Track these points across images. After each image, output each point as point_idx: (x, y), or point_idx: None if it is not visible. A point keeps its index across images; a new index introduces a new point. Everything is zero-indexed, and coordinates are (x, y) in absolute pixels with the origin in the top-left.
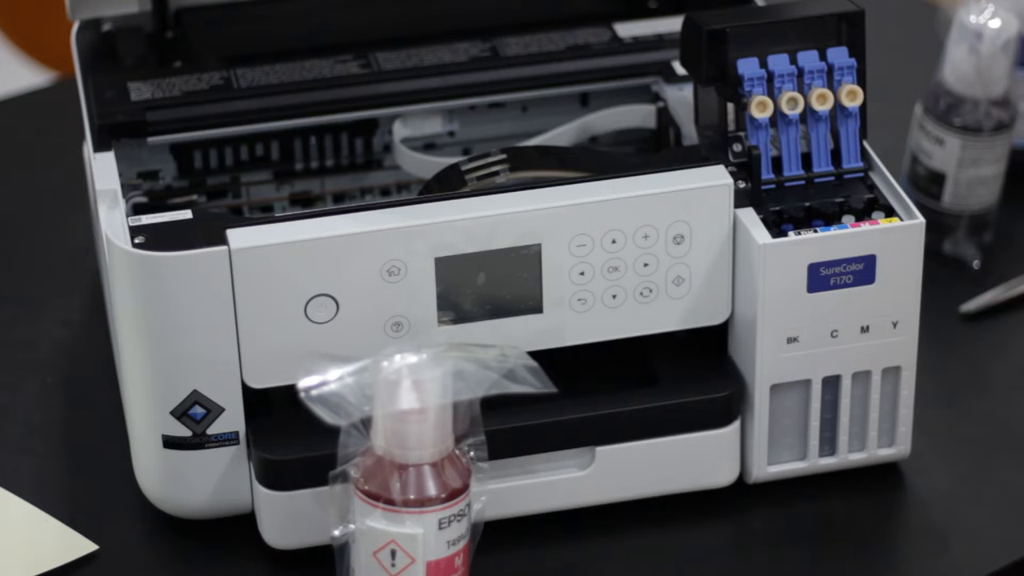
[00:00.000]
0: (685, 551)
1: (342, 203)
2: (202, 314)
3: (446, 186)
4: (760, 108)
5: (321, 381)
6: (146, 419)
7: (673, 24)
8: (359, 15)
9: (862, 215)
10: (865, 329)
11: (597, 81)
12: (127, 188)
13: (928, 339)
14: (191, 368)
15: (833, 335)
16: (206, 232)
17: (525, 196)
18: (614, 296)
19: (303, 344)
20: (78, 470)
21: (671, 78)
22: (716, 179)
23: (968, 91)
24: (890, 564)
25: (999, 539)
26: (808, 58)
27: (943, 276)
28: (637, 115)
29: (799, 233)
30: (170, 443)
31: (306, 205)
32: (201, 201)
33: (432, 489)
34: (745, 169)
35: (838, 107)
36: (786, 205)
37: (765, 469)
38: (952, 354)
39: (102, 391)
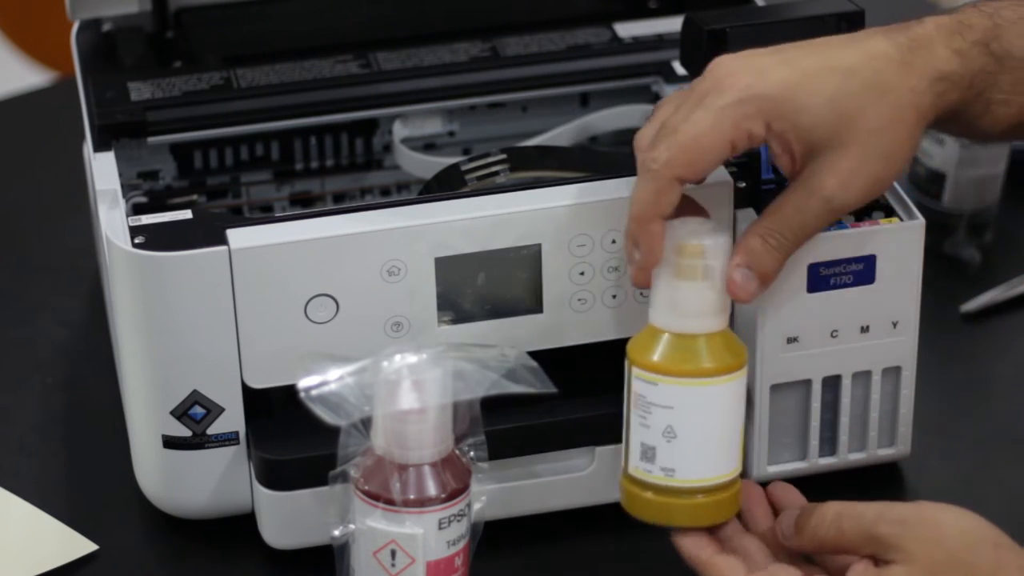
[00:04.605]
0: None
1: (342, 203)
2: (202, 314)
3: (446, 186)
4: None
5: (321, 381)
6: (146, 419)
7: (673, 24)
8: (359, 15)
9: (862, 215)
10: (865, 329)
11: (597, 81)
12: (127, 188)
13: (928, 339)
14: (191, 368)
15: (833, 335)
16: (206, 232)
17: (525, 196)
18: (614, 296)
19: (303, 344)
20: (78, 470)
21: (671, 78)
22: (716, 179)
23: None
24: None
25: None
26: None
27: (943, 276)
28: (637, 115)
29: None
30: (170, 443)
31: (306, 205)
32: (201, 201)
33: (432, 489)
34: (745, 169)
35: None
36: None
37: (765, 469)
38: (952, 354)
39: (102, 391)
